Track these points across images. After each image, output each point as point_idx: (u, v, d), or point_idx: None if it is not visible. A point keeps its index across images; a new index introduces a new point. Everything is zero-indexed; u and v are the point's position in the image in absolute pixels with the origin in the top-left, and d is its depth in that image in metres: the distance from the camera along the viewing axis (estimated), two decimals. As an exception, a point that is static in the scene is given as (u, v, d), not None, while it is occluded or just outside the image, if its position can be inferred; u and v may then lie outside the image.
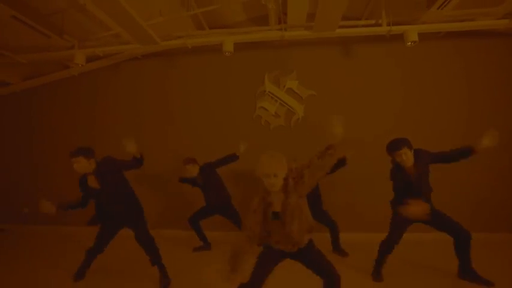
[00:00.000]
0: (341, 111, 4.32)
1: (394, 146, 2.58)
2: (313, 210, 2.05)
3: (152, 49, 4.54)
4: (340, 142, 1.70)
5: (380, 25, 3.69)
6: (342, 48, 4.52)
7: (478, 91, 4.15)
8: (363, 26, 3.85)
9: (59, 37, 3.76)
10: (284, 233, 1.79)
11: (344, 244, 3.56)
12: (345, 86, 4.45)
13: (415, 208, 2.23)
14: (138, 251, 2.91)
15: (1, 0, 2.96)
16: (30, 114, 5.24)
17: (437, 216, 2.63)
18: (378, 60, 4.41)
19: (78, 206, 2.94)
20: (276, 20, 4.01)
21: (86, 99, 5.13)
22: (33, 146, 5.19)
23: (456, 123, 4.15)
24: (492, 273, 2.63)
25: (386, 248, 2.75)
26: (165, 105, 4.85)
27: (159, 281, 2.85)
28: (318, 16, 3.36)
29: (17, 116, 5.27)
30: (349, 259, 3.35)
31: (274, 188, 1.71)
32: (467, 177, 4.03)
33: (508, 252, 3.33)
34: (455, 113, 4.19)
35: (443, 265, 2.94)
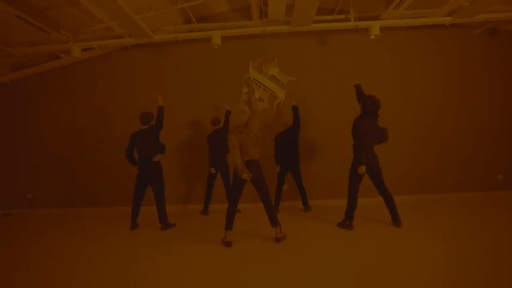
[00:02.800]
0: (318, 95, 5.00)
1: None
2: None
3: (144, 41, 4.84)
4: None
5: (349, 20, 4.25)
6: (318, 38, 5.06)
7: (452, 72, 4.91)
8: (334, 20, 4.39)
9: (56, 31, 3.99)
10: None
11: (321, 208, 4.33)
12: (321, 71, 5.04)
13: None
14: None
15: None
16: (25, 104, 5.44)
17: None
18: (348, 49, 5.01)
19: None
20: (258, 11, 4.44)
21: (77, 89, 5.39)
22: (30, 135, 5.43)
23: (432, 99, 4.94)
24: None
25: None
26: (159, 91, 5.22)
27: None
28: (295, 13, 3.86)
29: (12, 106, 5.44)
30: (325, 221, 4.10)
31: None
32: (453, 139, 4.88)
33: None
34: (432, 90, 4.94)
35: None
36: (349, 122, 3.54)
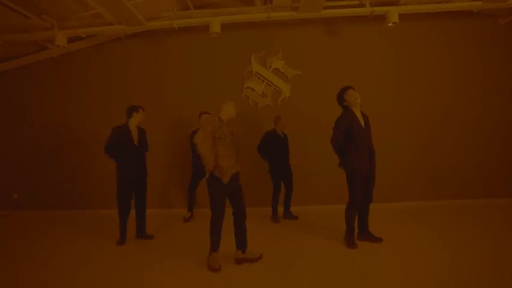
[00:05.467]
0: (326, 91, 4.56)
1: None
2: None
3: (137, 29, 4.44)
4: None
5: (364, 6, 3.80)
6: (327, 28, 4.61)
7: (462, 68, 4.46)
8: (347, 6, 3.93)
9: (37, 17, 3.61)
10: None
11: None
12: (330, 65, 4.59)
13: None
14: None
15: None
16: (10, 99, 5.06)
17: None
18: (362, 39, 4.55)
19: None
20: (262, -1, 4.03)
21: (67, 82, 5.00)
22: (14, 131, 5.06)
23: (441, 99, 4.49)
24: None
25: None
26: (153, 86, 4.84)
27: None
28: (303, -3, 3.43)
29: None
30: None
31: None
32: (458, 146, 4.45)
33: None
34: (440, 89, 4.49)
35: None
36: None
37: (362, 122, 2.84)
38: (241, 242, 2.62)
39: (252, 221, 2.81)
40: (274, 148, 3.84)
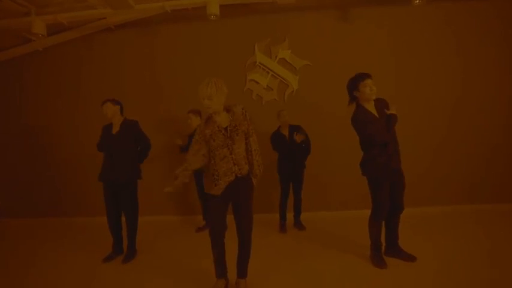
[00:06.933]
0: (339, 83, 4.06)
1: None
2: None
3: (127, 17, 3.99)
4: None
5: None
6: (340, 13, 4.11)
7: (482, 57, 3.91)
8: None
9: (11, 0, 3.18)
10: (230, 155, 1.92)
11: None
12: (343, 54, 4.08)
13: None
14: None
15: None
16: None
17: None
18: (378, 25, 4.04)
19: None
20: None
21: (54, 78, 4.55)
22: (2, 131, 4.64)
23: (453, 89, 3.95)
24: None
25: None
26: (149, 80, 4.39)
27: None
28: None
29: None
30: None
31: (210, 109, 1.92)
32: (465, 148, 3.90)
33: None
34: (450, 79, 3.96)
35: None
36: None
37: (376, 115, 2.34)
38: (239, 270, 2.07)
39: (258, 229, 2.31)
40: (281, 148, 3.40)
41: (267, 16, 4.13)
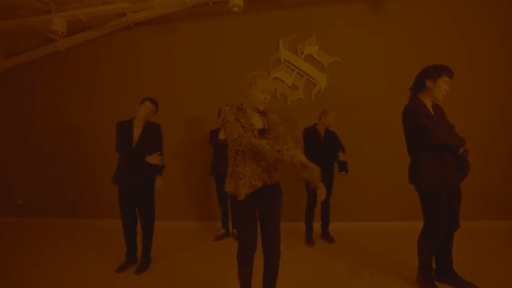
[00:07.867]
0: (370, 80, 3.73)
1: None
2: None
3: (147, 14, 3.87)
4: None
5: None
6: (371, 5, 3.78)
7: None
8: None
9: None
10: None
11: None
12: (375, 49, 3.74)
13: None
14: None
15: None
16: (19, 96, 4.66)
17: None
18: (413, 18, 3.67)
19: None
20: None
21: (76, 78, 4.52)
22: (25, 132, 4.65)
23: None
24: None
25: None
26: (168, 77, 4.23)
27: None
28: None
29: (5, 99, 4.70)
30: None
31: (265, 105, 1.74)
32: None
33: None
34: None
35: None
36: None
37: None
38: None
39: (282, 240, 2.00)
40: (311, 148, 3.07)
41: (292, 10, 3.88)
